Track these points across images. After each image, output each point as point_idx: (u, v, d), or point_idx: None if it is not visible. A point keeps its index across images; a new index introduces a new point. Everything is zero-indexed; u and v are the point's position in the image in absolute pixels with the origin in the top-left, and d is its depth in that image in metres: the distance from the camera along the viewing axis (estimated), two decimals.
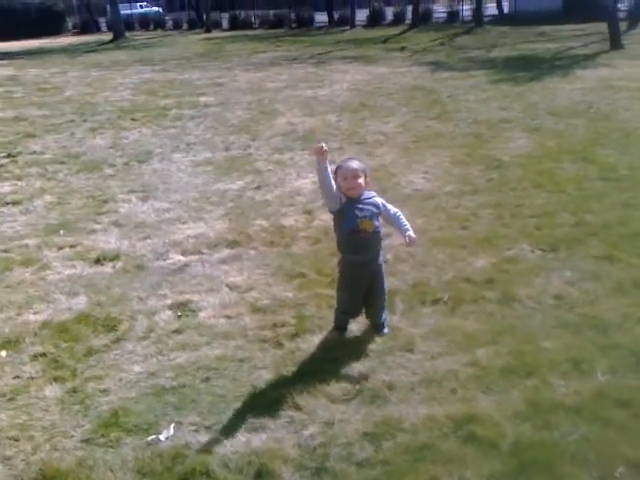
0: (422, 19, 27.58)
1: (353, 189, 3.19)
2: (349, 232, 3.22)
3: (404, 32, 24.75)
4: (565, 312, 3.61)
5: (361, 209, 3.20)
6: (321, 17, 31.60)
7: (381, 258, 3.38)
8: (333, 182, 3.16)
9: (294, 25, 31.41)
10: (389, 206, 3.33)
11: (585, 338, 3.32)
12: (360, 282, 3.34)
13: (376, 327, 3.44)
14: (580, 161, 6.46)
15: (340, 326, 3.48)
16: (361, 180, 3.19)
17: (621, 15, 18.78)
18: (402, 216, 3.35)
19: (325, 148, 3.07)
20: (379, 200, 3.30)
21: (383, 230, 3.36)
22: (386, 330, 3.42)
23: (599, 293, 3.79)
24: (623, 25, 18.04)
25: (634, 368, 3.04)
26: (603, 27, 16.80)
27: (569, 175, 6.04)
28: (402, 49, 18.59)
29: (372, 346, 3.32)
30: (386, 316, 3.47)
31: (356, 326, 3.49)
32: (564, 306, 3.67)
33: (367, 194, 3.26)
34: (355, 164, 3.23)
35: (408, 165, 6.70)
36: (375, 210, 3.24)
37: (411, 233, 3.28)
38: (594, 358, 3.12)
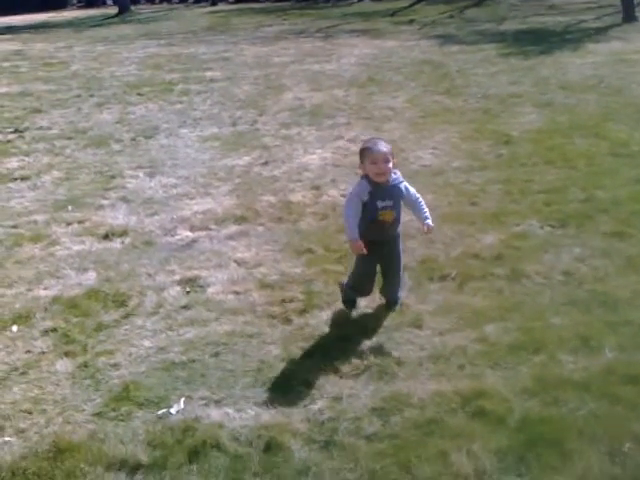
0: None
1: (383, 174, 3.09)
2: (368, 221, 3.16)
3: (413, 5, 24.33)
4: (574, 288, 3.60)
5: (383, 199, 3.11)
6: None
7: (399, 239, 3.34)
8: (357, 218, 3.13)
9: None
10: (412, 190, 3.27)
11: (594, 315, 3.31)
12: (377, 260, 3.29)
13: (388, 303, 3.42)
14: (591, 137, 6.38)
15: (346, 302, 3.43)
16: (390, 164, 3.10)
17: None
18: (423, 202, 3.30)
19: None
20: (403, 186, 3.22)
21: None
22: (397, 306, 3.40)
23: (609, 270, 3.78)
24: None
25: None
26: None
27: (580, 151, 5.98)
28: (410, 22, 18.29)
29: (380, 322, 3.33)
30: (401, 294, 3.44)
31: (364, 302, 3.49)
32: (573, 282, 3.66)
33: (393, 178, 3.18)
34: (384, 147, 3.10)
35: (416, 140, 6.64)
36: (398, 198, 3.17)
37: (430, 222, 3.26)
38: (603, 335, 3.12)
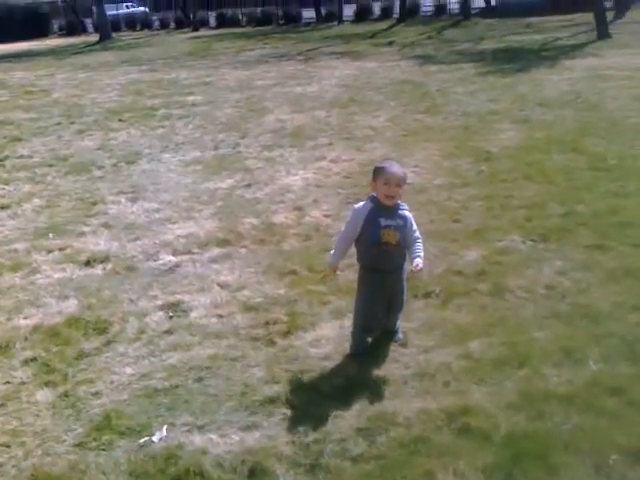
0: (409, 13, 27.56)
1: (392, 198, 3.02)
2: (371, 244, 3.06)
3: (392, 27, 24.73)
4: (557, 302, 3.61)
5: (386, 218, 3.02)
6: (309, 13, 31.52)
7: (404, 271, 3.21)
8: (349, 241, 3.14)
9: (282, 22, 31.31)
10: (415, 226, 3.14)
11: (577, 327, 3.32)
12: (382, 292, 3.15)
13: (390, 334, 3.32)
14: (569, 152, 6.47)
15: (360, 351, 3.19)
16: (401, 190, 3.04)
17: (607, 4, 18.81)
18: (421, 243, 3.14)
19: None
20: (409, 215, 3.13)
21: None
22: (401, 335, 3.31)
23: (590, 282, 3.80)
24: (610, 15, 18.08)
25: (626, 356, 3.05)
26: (590, 17, 16.85)
27: (558, 166, 6.05)
28: (390, 44, 18.58)
29: None
30: (400, 323, 3.39)
31: (348, 322, 3.47)
32: (556, 296, 3.68)
33: (401, 205, 3.11)
34: (400, 171, 3.04)
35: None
36: (401, 223, 3.05)
37: (420, 261, 3.05)
38: (586, 347, 3.13)
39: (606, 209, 4.88)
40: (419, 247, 3.13)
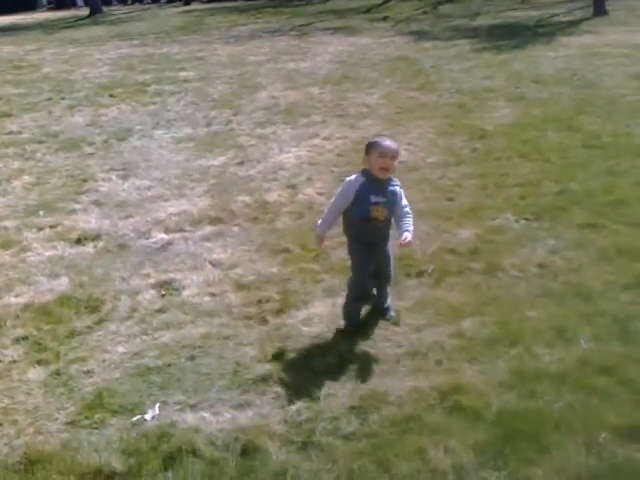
0: None
1: (386, 170, 3.03)
2: (359, 218, 3.09)
3: (386, 2, 24.37)
4: (549, 281, 3.62)
5: (377, 194, 3.03)
6: None
7: (390, 241, 3.24)
8: (338, 212, 3.15)
9: None
10: (405, 201, 3.15)
11: (569, 306, 3.33)
12: (370, 260, 3.20)
13: (382, 311, 3.35)
14: (564, 129, 6.43)
15: (352, 321, 3.25)
16: (396, 163, 3.07)
17: None
18: (411, 217, 3.15)
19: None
20: (399, 189, 3.13)
21: None
22: (393, 313, 3.32)
23: (583, 261, 3.81)
24: None
25: (617, 335, 3.06)
26: None
27: (553, 144, 6.02)
28: (385, 19, 18.33)
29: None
30: (391, 300, 3.39)
31: (341, 300, 3.45)
32: (548, 275, 3.68)
33: (393, 180, 3.12)
34: (394, 144, 3.07)
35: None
36: (391, 198, 3.07)
37: (408, 235, 3.04)
38: (578, 326, 3.14)
39: (600, 187, 4.87)
40: (408, 221, 3.13)
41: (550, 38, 12.57)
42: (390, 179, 3.11)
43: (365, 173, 3.09)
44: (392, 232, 3.24)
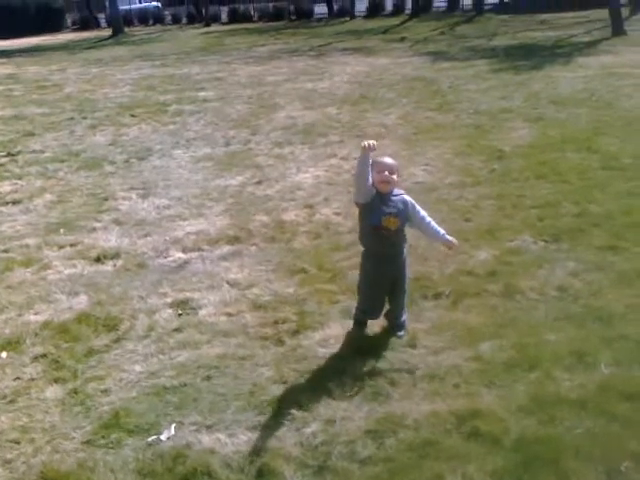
0: (422, 9, 27.38)
1: (387, 183, 3.15)
2: (372, 227, 3.19)
3: (404, 22, 24.60)
4: (569, 304, 3.57)
5: (387, 205, 3.15)
6: (320, 9, 31.41)
7: (404, 255, 3.30)
8: (370, 176, 3.14)
9: (293, 17, 31.22)
10: (418, 208, 3.26)
11: (589, 330, 3.29)
12: (382, 279, 3.27)
13: (394, 327, 3.36)
14: (583, 150, 6.40)
15: (359, 321, 3.40)
16: (395, 176, 3.18)
17: (623, 1, 18.58)
18: (433, 222, 3.28)
19: (375, 147, 3.04)
20: (408, 198, 3.25)
21: None
22: (403, 332, 3.33)
23: (603, 284, 3.76)
24: (625, 11, 17.88)
25: (639, 360, 3.00)
26: (605, 14, 16.66)
27: (572, 165, 5.99)
28: (402, 39, 18.47)
29: (374, 342, 3.29)
30: (405, 317, 3.40)
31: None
32: (567, 298, 3.64)
33: (396, 191, 3.23)
34: (391, 160, 3.23)
35: (409, 157, 6.65)
36: (402, 207, 3.19)
37: (450, 237, 3.25)
38: (598, 350, 3.09)
39: (620, 209, 4.82)
40: (437, 227, 3.28)
41: (568, 59, 12.57)
42: (395, 191, 3.22)
43: (374, 188, 3.21)
44: (406, 246, 3.31)
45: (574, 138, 6.86)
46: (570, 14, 21.69)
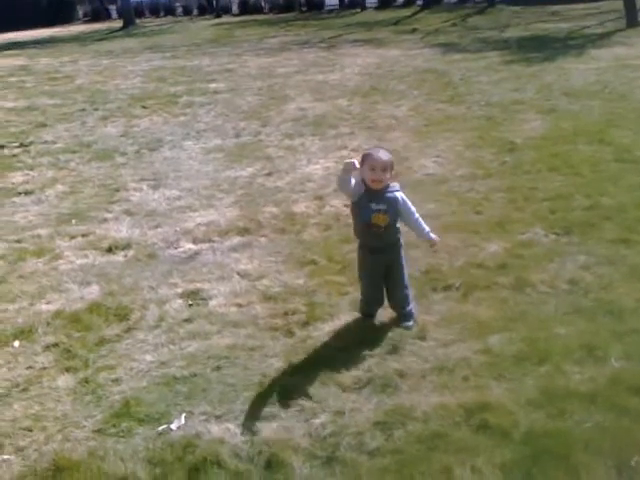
0: (434, 0, 27.18)
1: (379, 182, 3.14)
2: (363, 225, 3.24)
3: (415, 14, 24.42)
4: (579, 297, 3.55)
5: (377, 202, 3.16)
6: (331, 0, 31.26)
7: (399, 245, 3.33)
8: (352, 184, 3.16)
9: (304, 9, 31.06)
10: (409, 204, 3.27)
11: (600, 324, 3.27)
12: (377, 268, 3.33)
13: (401, 317, 3.38)
14: (595, 143, 6.34)
15: (365, 313, 3.44)
16: (388, 174, 3.15)
17: None
18: (420, 218, 3.32)
19: (357, 166, 3.08)
20: (399, 195, 3.23)
21: None
22: (411, 323, 3.33)
23: (614, 278, 3.73)
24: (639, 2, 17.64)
25: None
26: (619, 4, 16.44)
27: (584, 157, 5.94)
28: (413, 31, 18.34)
29: (383, 334, 3.29)
30: (411, 307, 3.40)
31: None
32: (578, 291, 3.62)
33: (390, 187, 3.21)
34: (385, 156, 3.15)
35: (420, 149, 6.62)
36: (392, 203, 3.18)
37: (433, 235, 3.34)
38: (609, 344, 3.07)
39: (632, 202, 4.78)
40: (424, 225, 3.32)
41: (581, 50, 12.44)
42: (387, 187, 3.20)
43: (364, 183, 3.20)
44: (401, 237, 3.34)
45: (587, 130, 6.80)
46: (583, 5, 21.42)
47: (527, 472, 2.34)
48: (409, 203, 3.27)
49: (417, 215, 3.30)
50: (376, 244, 3.28)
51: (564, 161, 5.85)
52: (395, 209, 3.20)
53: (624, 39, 13.49)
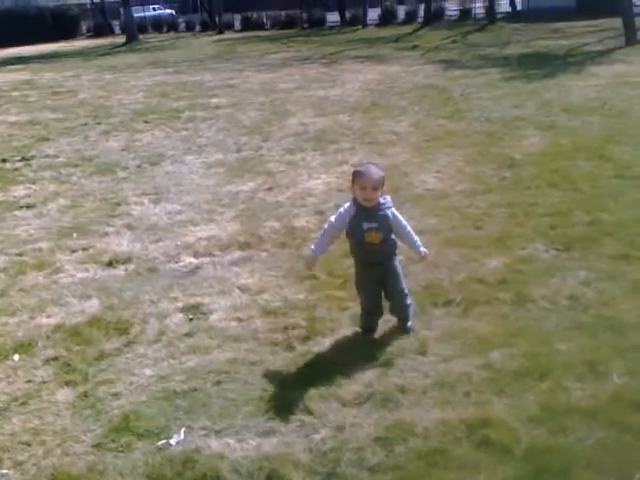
0: (434, 17, 27.44)
1: (370, 200, 3.18)
2: (357, 244, 3.29)
3: (416, 30, 24.65)
4: (580, 313, 3.55)
5: (369, 221, 3.20)
6: (333, 17, 31.55)
7: (394, 258, 3.36)
8: (332, 238, 3.35)
9: (306, 25, 31.39)
10: (400, 218, 3.31)
11: (601, 340, 3.26)
12: (375, 278, 3.37)
13: (400, 321, 3.43)
14: (595, 159, 6.37)
15: (366, 328, 3.44)
16: (379, 192, 3.18)
17: (636, 10, 18.51)
18: (412, 232, 3.37)
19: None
20: (389, 212, 3.25)
21: None
22: (410, 323, 3.41)
23: (615, 293, 3.73)
24: (639, 20, 17.78)
25: None
26: (618, 22, 16.60)
27: (584, 173, 5.96)
28: (414, 48, 18.50)
29: (384, 349, 3.28)
30: (410, 313, 3.44)
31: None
32: (579, 307, 3.61)
33: (381, 204, 3.23)
34: (375, 175, 3.16)
35: (420, 164, 6.65)
36: (384, 221, 3.22)
37: (422, 248, 3.38)
38: (610, 360, 3.06)
39: (632, 218, 4.78)
40: (413, 236, 3.36)
41: (581, 67, 12.54)
42: (379, 204, 3.22)
43: (355, 202, 3.24)
44: (397, 251, 3.38)
45: (586, 146, 6.83)
46: (583, 23, 21.62)
47: None
48: (399, 217, 3.31)
49: (409, 228, 3.36)
50: (372, 259, 3.33)
51: (564, 177, 5.87)
52: (387, 225, 3.23)
53: (623, 57, 13.60)
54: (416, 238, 3.37)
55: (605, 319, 3.45)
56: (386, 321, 3.48)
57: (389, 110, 9.59)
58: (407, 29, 25.31)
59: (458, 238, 4.67)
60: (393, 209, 3.28)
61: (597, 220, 4.82)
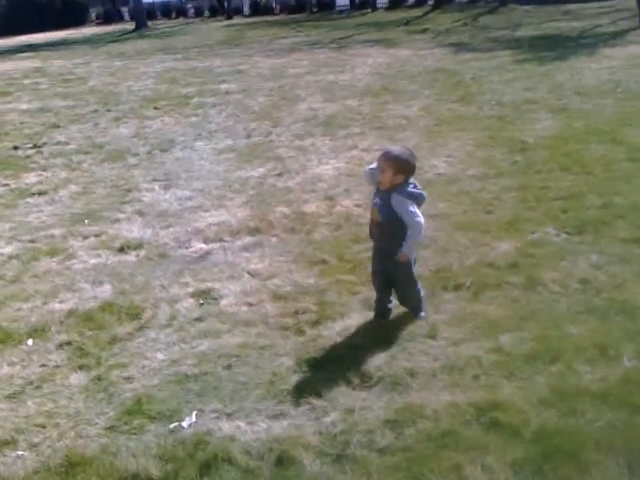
0: (445, 0, 27.10)
1: (380, 183, 3.19)
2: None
3: (426, 13, 24.37)
4: (591, 296, 3.53)
5: (375, 196, 3.26)
6: (342, 1, 31.27)
7: (395, 255, 3.18)
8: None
9: (315, 10, 31.13)
10: (403, 208, 3.09)
11: (612, 323, 3.25)
12: (375, 265, 3.43)
13: (412, 311, 3.44)
14: (608, 142, 6.30)
15: (377, 313, 3.45)
16: (385, 175, 3.09)
17: None
18: (411, 232, 3.12)
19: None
20: (395, 195, 3.09)
21: None
22: (423, 314, 3.40)
23: (627, 277, 3.71)
24: None
25: None
26: (632, 3, 16.31)
27: (596, 156, 5.90)
28: (424, 31, 18.31)
29: (394, 333, 3.29)
30: (417, 304, 3.42)
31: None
32: (590, 290, 3.60)
33: (395, 188, 3.10)
34: (381, 156, 3.11)
35: (431, 149, 6.61)
36: (385, 200, 3.13)
37: (401, 255, 3.16)
38: (621, 343, 3.05)
39: None
40: (408, 241, 3.14)
41: (593, 49, 12.36)
42: (393, 188, 3.10)
43: None
44: (398, 248, 3.17)
45: (599, 129, 6.75)
46: (595, 4, 21.27)
47: (538, 470, 2.34)
48: (404, 207, 3.09)
49: (410, 232, 3.12)
50: (373, 241, 3.39)
51: (576, 160, 5.82)
52: (388, 207, 3.11)
53: (637, 38, 13.38)
54: (409, 242, 3.14)
55: (616, 302, 3.43)
56: (396, 305, 3.48)
57: (399, 94, 9.53)
58: (417, 12, 25.02)
59: (469, 222, 4.66)
60: (400, 196, 3.09)
61: (609, 203, 4.78)
